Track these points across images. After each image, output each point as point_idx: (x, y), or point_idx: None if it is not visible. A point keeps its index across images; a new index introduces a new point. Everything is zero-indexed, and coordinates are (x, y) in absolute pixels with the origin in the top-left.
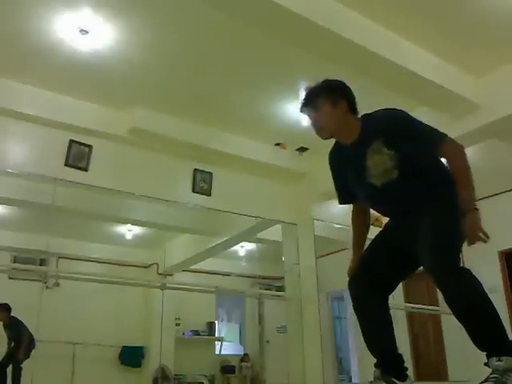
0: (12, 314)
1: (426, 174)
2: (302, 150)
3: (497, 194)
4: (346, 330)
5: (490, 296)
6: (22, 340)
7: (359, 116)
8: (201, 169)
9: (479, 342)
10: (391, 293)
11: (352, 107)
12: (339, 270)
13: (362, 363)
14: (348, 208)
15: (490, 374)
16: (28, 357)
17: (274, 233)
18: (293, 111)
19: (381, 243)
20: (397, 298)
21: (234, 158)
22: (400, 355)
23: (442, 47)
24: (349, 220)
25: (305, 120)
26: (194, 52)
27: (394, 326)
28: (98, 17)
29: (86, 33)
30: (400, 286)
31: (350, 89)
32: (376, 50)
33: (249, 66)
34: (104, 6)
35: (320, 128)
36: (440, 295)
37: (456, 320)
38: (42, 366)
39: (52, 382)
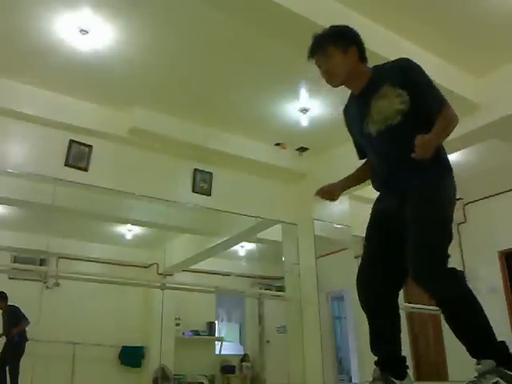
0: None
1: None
2: (302, 149)
3: (497, 194)
4: (346, 330)
5: (489, 296)
6: (21, 323)
7: (369, 67)
8: (201, 169)
9: (467, 347)
10: (401, 285)
11: (362, 55)
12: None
13: (361, 363)
14: (348, 208)
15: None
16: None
17: (274, 233)
18: (293, 111)
19: (375, 235)
20: None
21: (234, 157)
22: (403, 356)
23: (442, 47)
24: (349, 220)
25: (305, 120)
26: (193, 52)
27: (401, 325)
28: (98, 17)
29: (86, 33)
30: None
31: (359, 36)
32: (376, 50)
33: (249, 66)
34: (104, 6)
35: (331, 76)
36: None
37: None
38: (41, 366)
39: (52, 382)
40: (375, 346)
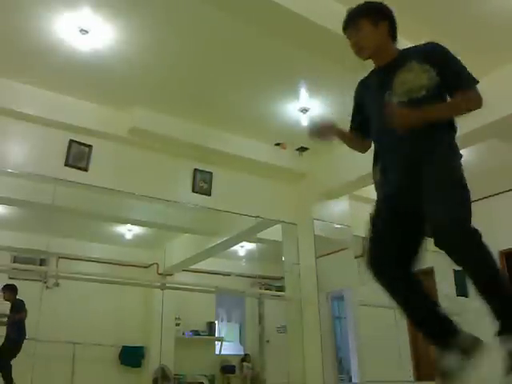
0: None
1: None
2: (302, 149)
3: (497, 194)
4: (345, 330)
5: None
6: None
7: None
8: (201, 169)
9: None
10: (416, 260)
11: (393, 32)
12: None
13: (361, 363)
14: (348, 208)
15: None
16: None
17: (274, 233)
18: (293, 111)
19: (382, 218)
20: None
21: (234, 157)
22: (444, 316)
23: None
24: (348, 220)
25: (305, 120)
26: (193, 52)
27: (424, 291)
28: (98, 17)
29: (86, 33)
30: None
31: (392, 12)
32: None
33: (249, 65)
34: (104, 6)
35: (360, 48)
36: (440, 295)
37: (455, 320)
38: (41, 366)
39: (52, 382)
40: (419, 328)
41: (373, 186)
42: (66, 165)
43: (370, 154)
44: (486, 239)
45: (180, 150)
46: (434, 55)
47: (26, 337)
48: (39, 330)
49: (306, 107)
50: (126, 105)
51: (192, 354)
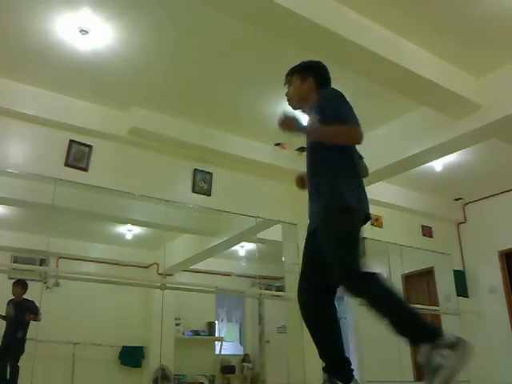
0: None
1: (331, 160)
2: (302, 149)
3: (497, 194)
4: (345, 330)
5: (489, 296)
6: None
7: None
8: (201, 169)
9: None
10: (334, 292)
11: (320, 82)
12: None
13: (361, 363)
14: None
15: None
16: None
17: (274, 233)
18: (293, 111)
19: (306, 252)
20: None
21: (234, 158)
22: (346, 359)
23: (443, 47)
24: None
25: (305, 120)
26: (193, 52)
27: (340, 329)
28: (98, 17)
29: (86, 33)
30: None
31: (319, 67)
32: (376, 50)
33: (249, 65)
34: (104, 6)
35: (288, 99)
36: (441, 295)
37: (455, 320)
38: (41, 366)
39: (52, 382)
40: (319, 352)
41: (372, 185)
42: (66, 165)
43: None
44: (486, 240)
45: (180, 150)
46: (318, 107)
47: (27, 337)
48: (39, 330)
49: None
50: (126, 105)
51: (192, 354)
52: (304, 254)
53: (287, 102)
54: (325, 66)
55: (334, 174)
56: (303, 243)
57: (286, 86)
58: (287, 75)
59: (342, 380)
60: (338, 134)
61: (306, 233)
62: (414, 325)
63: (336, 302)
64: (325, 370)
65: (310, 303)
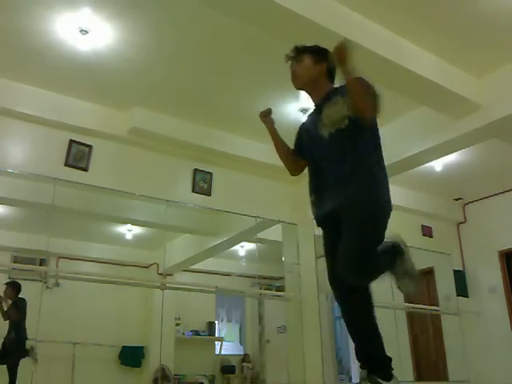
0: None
1: (366, 147)
2: None
3: (497, 194)
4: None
5: (489, 296)
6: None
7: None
8: (201, 169)
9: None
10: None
11: (330, 73)
12: None
13: None
14: None
15: None
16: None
17: (274, 233)
18: (293, 111)
19: (328, 245)
20: (397, 298)
21: (234, 157)
22: (385, 355)
23: (442, 47)
24: None
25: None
26: (193, 52)
27: (379, 326)
28: (98, 17)
29: (86, 33)
30: None
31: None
32: (376, 50)
33: (249, 65)
34: (104, 6)
35: (295, 76)
36: (441, 295)
37: (455, 320)
38: (42, 366)
39: (52, 382)
40: (356, 350)
41: None
42: (66, 165)
43: None
44: (486, 240)
45: (180, 150)
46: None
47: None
48: (39, 330)
49: (305, 107)
50: (125, 105)
51: (192, 353)
52: (327, 239)
53: (292, 80)
54: None
55: (375, 164)
56: (303, 243)
57: (293, 61)
58: (297, 51)
59: (383, 377)
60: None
61: (305, 232)
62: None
63: (371, 291)
64: (362, 367)
65: (343, 292)
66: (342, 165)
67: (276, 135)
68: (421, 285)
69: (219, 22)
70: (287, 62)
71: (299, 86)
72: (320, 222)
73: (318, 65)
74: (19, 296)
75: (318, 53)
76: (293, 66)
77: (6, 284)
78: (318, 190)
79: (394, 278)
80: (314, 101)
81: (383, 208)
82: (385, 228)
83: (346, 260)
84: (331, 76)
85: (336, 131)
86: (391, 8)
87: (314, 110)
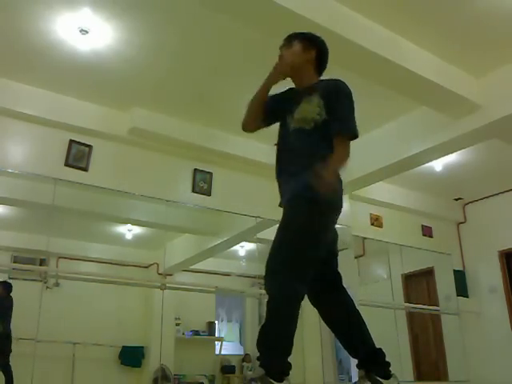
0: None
1: (321, 149)
2: None
3: (497, 194)
4: None
5: (489, 296)
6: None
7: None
8: (201, 169)
9: None
10: (335, 282)
11: (319, 64)
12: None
13: None
14: (347, 208)
15: None
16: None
17: (273, 233)
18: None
19: None
20: (397, 298)
21: (234, 158)
22: (379, 351)
23: (443, 47)
24: (348, 220)
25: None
26: (194, 52)
27: (363, 321)
28: (98, 17)
29: (86, 33)
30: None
31: (325, 46)
32: (376, 50)
33: (248, 65)
34: (104, 6)
35: (281, 61)
36: (441, 295)
37: (455, 320)
38: (41, 366)
39: (52, 382)
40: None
41: (372, 185)
42: (66, 165)
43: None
44: (486, 240)
45: (180, 150)
46: (331, 94)
47: (26, 337)
48: (39, 330)
49: None
50: (125, 105)
51: (192, 353)
52: None
53: (277, 64)
54: (328, 49)
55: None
56: None
57: (283, 46)
58: (288, 37)
59: (381, 375)
60: (344, 158)
61: None
62: (271, 347)
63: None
64: (359, 366)
65: (319, 299)
66: (298, 158)
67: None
68: None
69: (219, 22)
70: (280, 47)
71: (284, 71)
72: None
73: (306, 51)
74: (10, 295)
75: (309, 39)
76: (282, 50)
77: None
78: (279, 177)
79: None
80: (296, 85)
81: (319, 208)
82: (319, 231)
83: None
84: (320, 66)
85: (299, 129)
86: (391, 8)
87: (296, 92)
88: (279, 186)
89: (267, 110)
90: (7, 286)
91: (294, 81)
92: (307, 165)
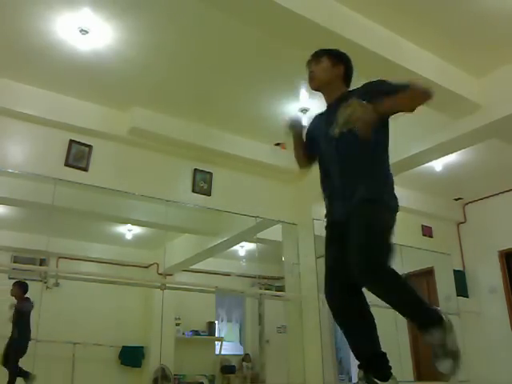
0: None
1: (377, 147)
2: None
3: (497, 194)
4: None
5: (489, 296)
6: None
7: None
8: (201, 169)
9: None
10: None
11: (347, 77)
12: None
13: None
14: None
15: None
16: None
17: (273, 233)
18: (293, 111)
19: (331, 247)
20: None
21: (234, 157)
22: (383, 354)
23: (443, 47)
24: None
25: (305, 120)
26: (193, 52)
27: (375, 323)
28: (98, 17)
29: (86, 33)
30: None
31: (351, 62)
32: (376, 50)
33: (249, 65)
34: (104, 6)
35: (313, 77)
36: (441, 295)
37: (455, 320)
38: (42, 366)
39: (52, 382)
40: (352, 349)
41: None
42: (66, 165)
43: None
44: (486, 240)
45: (180, 150)
46: (369, 89)
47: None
48: (39, 330)
49: (305, 107)
50: (125, 105)
51: (192, 353)
52: (329, 246)
53: (308, 81)
54: (353, 64)
55: (383, 164)
56: (303, 243)
57: (311, 63)
58: (316, 54)
59: (379, 378)
60: (416, 95)
61: (305, 232)
62: (426, 313)
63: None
64: (360, 366)
65: (340, 300)
66: (351, 164)
67: (301, 138)
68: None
69: (219, 21)
70: (307, 64)
71: (315, 87)
72: (329, 227)
73: (335, 67)
74: (27, 296)
75: (337, 56)
76: (311, 67)
77: (14, 283)
78: (329, 194)
79: (434, 355)
80: (327, 101)
81: (389, 209)
82: (392, 230)
83: (358, 258)
84: (347, 79)
85: (348, 131)
86: (391, 8)
87: (327, 110)
88: (329, 201)
89: (307, 147)
90: (23, 286)
91: (324, 95)
92: (370, 164)
